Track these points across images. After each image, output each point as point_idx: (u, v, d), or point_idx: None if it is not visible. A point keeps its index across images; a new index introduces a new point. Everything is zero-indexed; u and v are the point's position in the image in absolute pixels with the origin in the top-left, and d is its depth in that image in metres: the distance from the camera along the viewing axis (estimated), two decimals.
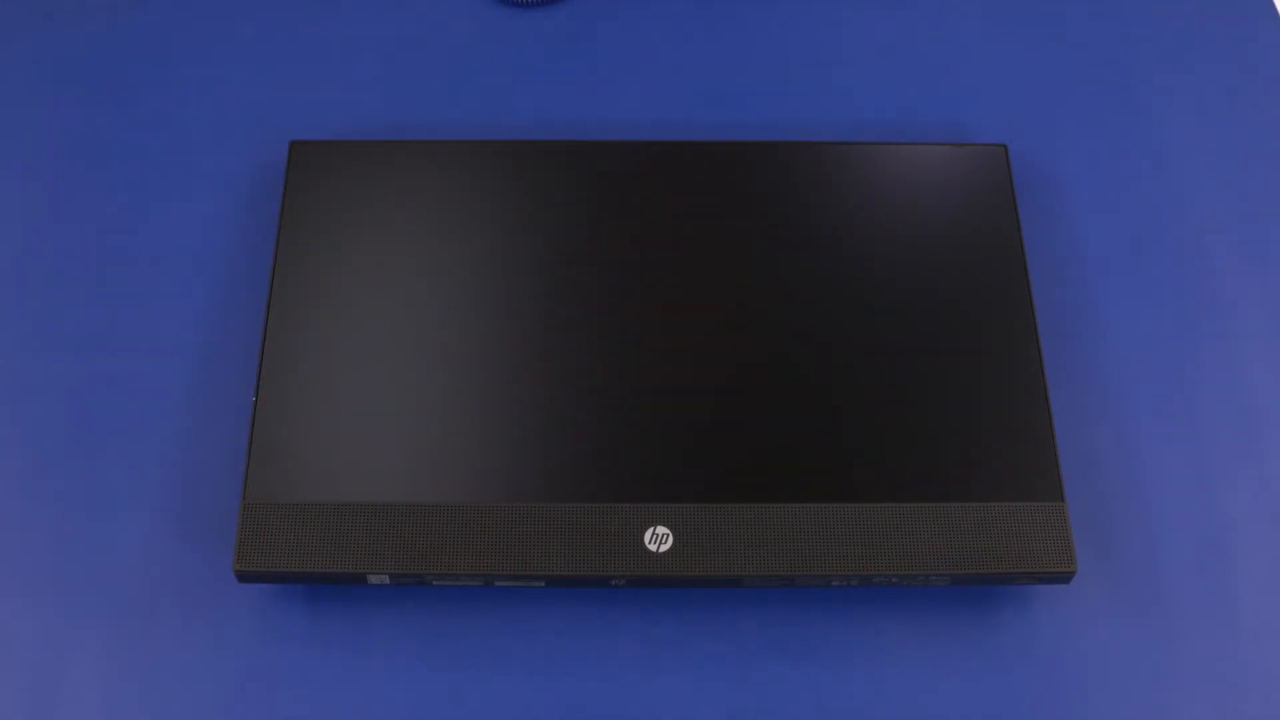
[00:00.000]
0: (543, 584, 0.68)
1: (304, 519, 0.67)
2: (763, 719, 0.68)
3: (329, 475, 0.69)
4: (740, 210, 0.77)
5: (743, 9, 0.92)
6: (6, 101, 0.87)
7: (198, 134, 0.85)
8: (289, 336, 0.72)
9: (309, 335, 0.72)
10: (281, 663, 0.69)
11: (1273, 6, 0.92)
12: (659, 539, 0.68)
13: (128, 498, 0.73)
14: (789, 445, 0.70)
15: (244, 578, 0.67)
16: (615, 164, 0.79)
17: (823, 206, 0.78)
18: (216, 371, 0.77)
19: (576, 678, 0.69)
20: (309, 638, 0.70)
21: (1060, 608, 0.72)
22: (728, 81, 0.88)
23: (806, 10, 0.92)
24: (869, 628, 0.71)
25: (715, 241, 0.76)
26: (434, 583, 0.68)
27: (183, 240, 0.81)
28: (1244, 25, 0.91)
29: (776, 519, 0.68)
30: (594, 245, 0.76)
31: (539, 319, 0.73)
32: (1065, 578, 0.69)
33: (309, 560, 0.67)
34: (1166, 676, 0.70)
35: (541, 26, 0.90)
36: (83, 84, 0.87)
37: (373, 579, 0.67)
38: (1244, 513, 0.74)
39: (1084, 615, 0.71)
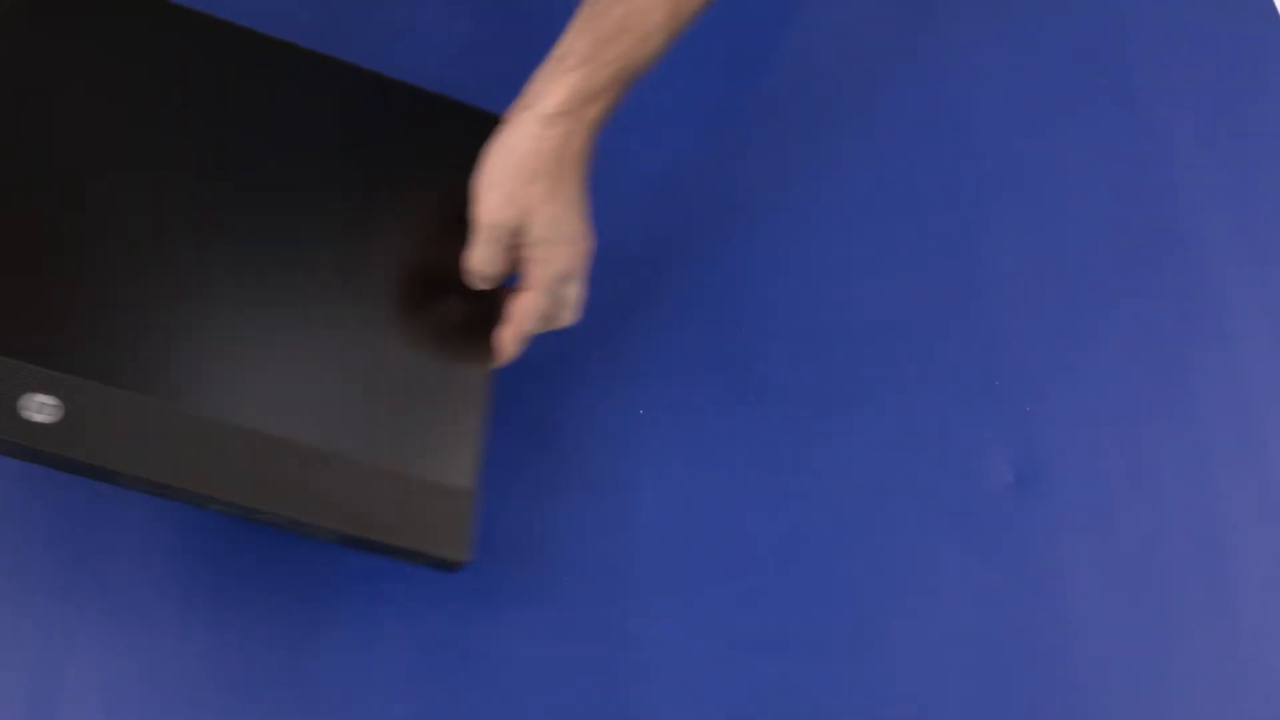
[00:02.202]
0: None
1: None
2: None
3: None
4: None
5: None
6: None
7: None
8: None
9: None
10: None
11: (1273, 6, 0.92)
12: (40, 408, 0.61)
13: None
14: (203, 347, 0.65)
15: None
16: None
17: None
18: None
19: None
20: None
21: (1056, 607, 0.72)
22: None
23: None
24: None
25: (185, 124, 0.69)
26: None
27: None
28: (1244, 25, 0.92)
29: (173, 421, 0.63)
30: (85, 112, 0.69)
31: None
32: (454, 566, 0.67)
33: None
34: (1166, 676, 0.70)
35: None
36: None
37: None
38: (1244, 513, 0.74)
39: (1083, 614, 0.71)
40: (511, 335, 0.68)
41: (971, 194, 0.84)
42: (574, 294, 0.68)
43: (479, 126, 0.74)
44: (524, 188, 0.64)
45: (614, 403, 0.77)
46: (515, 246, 0.66)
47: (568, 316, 0.69)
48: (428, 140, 0.75)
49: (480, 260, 0.66)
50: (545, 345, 0.78)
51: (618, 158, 0.85)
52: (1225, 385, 0.78)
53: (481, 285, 0.68)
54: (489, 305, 0.70)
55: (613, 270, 0.81)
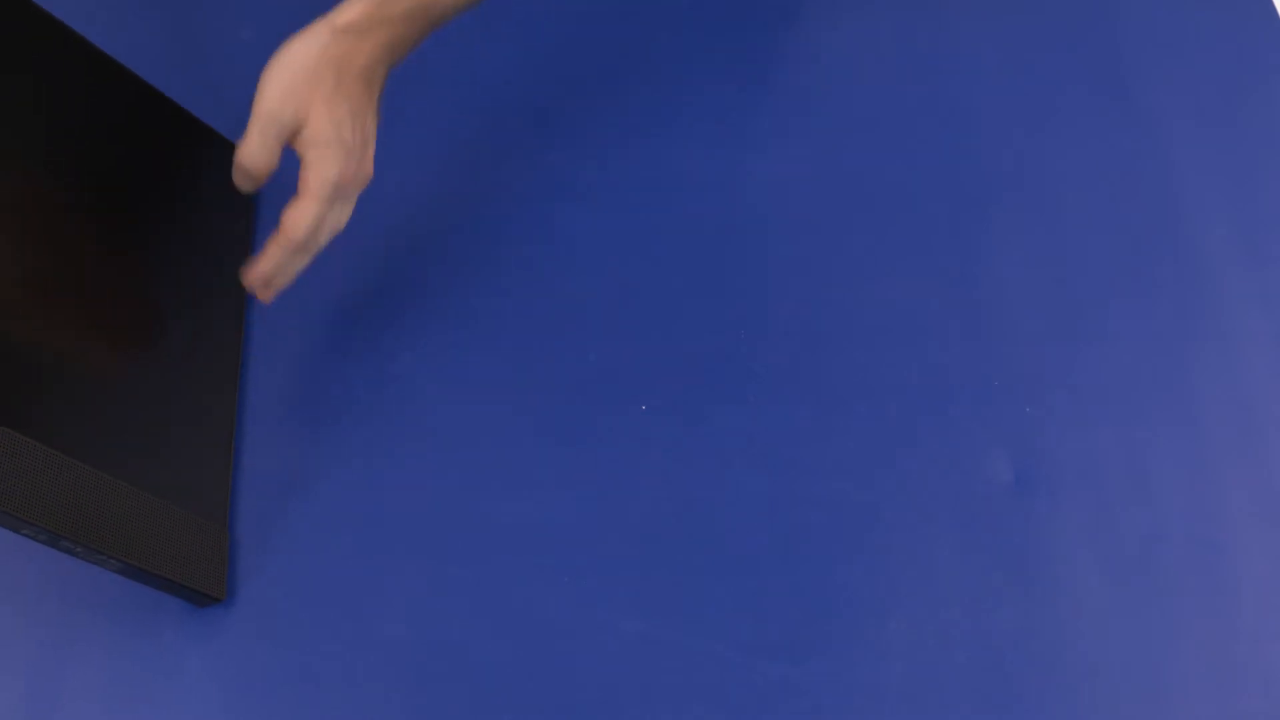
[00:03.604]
0: None
1: None
2: None
3: None
4: None
5: None
6: None
7: None
8: None
9: None
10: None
11: (1272, 6, 0.92)
12: None
13: None
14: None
15: None
16: None
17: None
18: None
19: None
20: None
21: (1056, 608, 0.72)
22: None
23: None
24: None
25: None
26: None
27: None
28: (1243, 25, 0.91)
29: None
30: None
31: None
32: (209, 601, 0.68)
33: None
34: (1166, 676, 0.70)
35: None
36: None
37: None
38: (1244, 513, 0.74)
39: (1083, 614, 0.71)
40: (275, 249, 0.65)
41: (971, 194, 0.84)
42: (342, 217, 0.67)
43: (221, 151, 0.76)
44: (305, 86, 0.63)
45: (615, 401, 0.77)
46: (288, 143, 0.65)
47: (323, 239, 0.66)
48: (176, 158, 0.74)
49: (249, 154, 0.65)
50: (544, 345, 0.78)
51: (618, 158, 0.85)
52: (1225, 385, 0.78)
53: (246, 186, 0.66)
54: (227, 330, 0.69)
55: (612, 269, 0.81)
